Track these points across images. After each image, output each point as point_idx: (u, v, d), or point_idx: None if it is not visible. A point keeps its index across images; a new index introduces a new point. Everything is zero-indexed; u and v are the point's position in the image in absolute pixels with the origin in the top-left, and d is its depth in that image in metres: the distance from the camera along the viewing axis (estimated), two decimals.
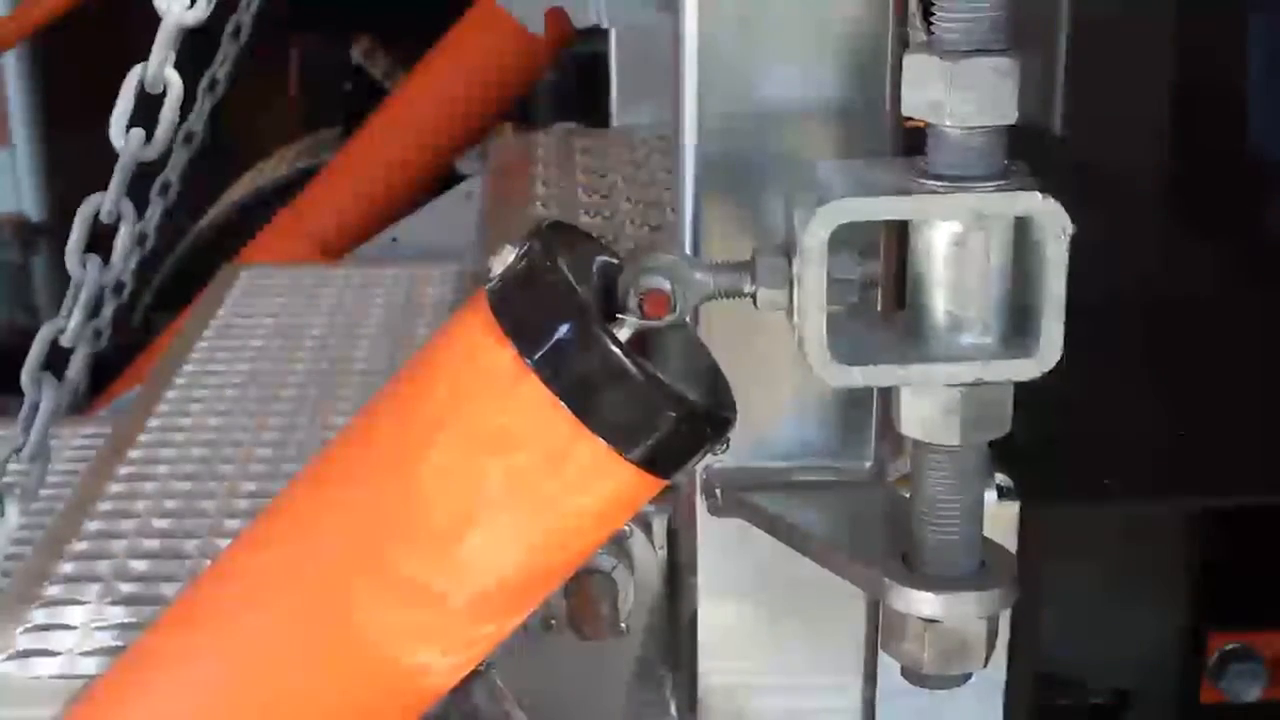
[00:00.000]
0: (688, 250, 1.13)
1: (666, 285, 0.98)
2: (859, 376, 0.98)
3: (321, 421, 1.74)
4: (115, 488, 1.60)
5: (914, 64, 0.95)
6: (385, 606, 0.97)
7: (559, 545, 0.98)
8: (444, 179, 3.05)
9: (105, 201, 1.18)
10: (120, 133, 1.17)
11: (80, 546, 1.48)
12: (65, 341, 1.20)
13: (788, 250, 1.00)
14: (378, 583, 0.97)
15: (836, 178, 0.98)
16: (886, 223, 1.09)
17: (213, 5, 1.13)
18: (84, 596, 1.40)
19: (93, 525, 1.52)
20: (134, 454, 1.67)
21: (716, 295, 1.01)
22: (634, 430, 0.93)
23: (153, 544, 1.49)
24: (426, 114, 3.06)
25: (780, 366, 1.14)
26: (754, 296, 1.01)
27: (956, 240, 0.96)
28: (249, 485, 1.59)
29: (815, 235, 0.94)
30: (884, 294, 1.10)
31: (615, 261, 0.99)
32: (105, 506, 1.56)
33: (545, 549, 0.98)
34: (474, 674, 1.20)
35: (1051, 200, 0.93)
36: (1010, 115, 0.93)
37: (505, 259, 0.96)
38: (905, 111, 0.96)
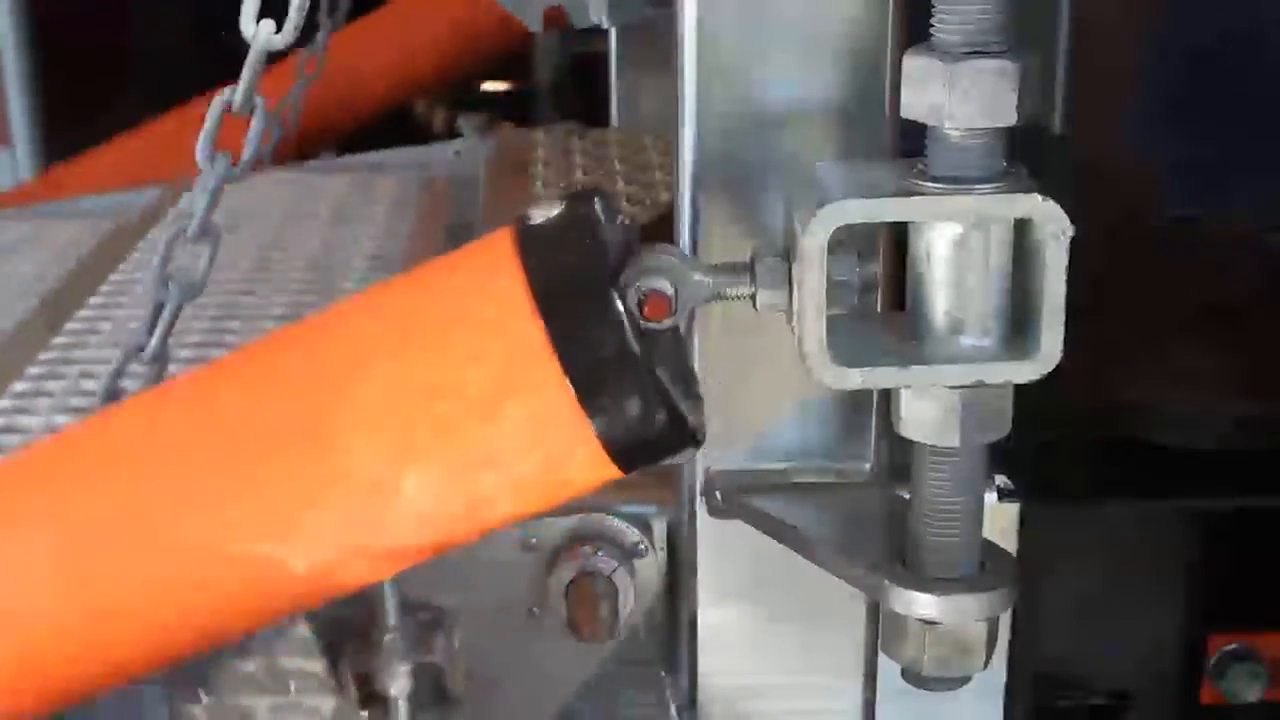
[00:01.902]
0: (686, 251, 1.13)
1: (667, 288, 0.97)
2: (858, 378, 0.98)
3: (267, 299, 1.74)
4: (45, 355, 1.60)
5: (914, 66, 0.95)
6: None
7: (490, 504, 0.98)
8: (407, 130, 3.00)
9: (193, 223, 1.19)
10: (207, 155, 1.17)
11: None
12: (144, 359, 1.21)
13: (787, 252, 1.00)
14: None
15: (836, 179, 0.98)
16: (886, 224, 1.09)
17: (299, 30, 1.14)
18: None
19: (19, 385, 1.53)
20: (65, 331, 1.68)
21: (716, 297, 1.01)
22: (624, 428, 0.93)
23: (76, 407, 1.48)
24: (378, 49, 3.01)
25: (780, 368, 1.14)
26: (753, 298, 1.01)
27: (956, 242, 0.96)
28: (184, 352, 1.58)
29: (815, 237, 0.94)
30: (883, 296, 1.10)
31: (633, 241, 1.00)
32: (22, 387, 1.55)
33: (477, 505, 0.98)
34: (436, 629, 1.20)
35: (1051, 202, 0.93)
36: (1010, 117, 0.93)
37: (547, 212, 0.96)
38: (904, 114, 0.96)
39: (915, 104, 0.95)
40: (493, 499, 0.98)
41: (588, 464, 0.96)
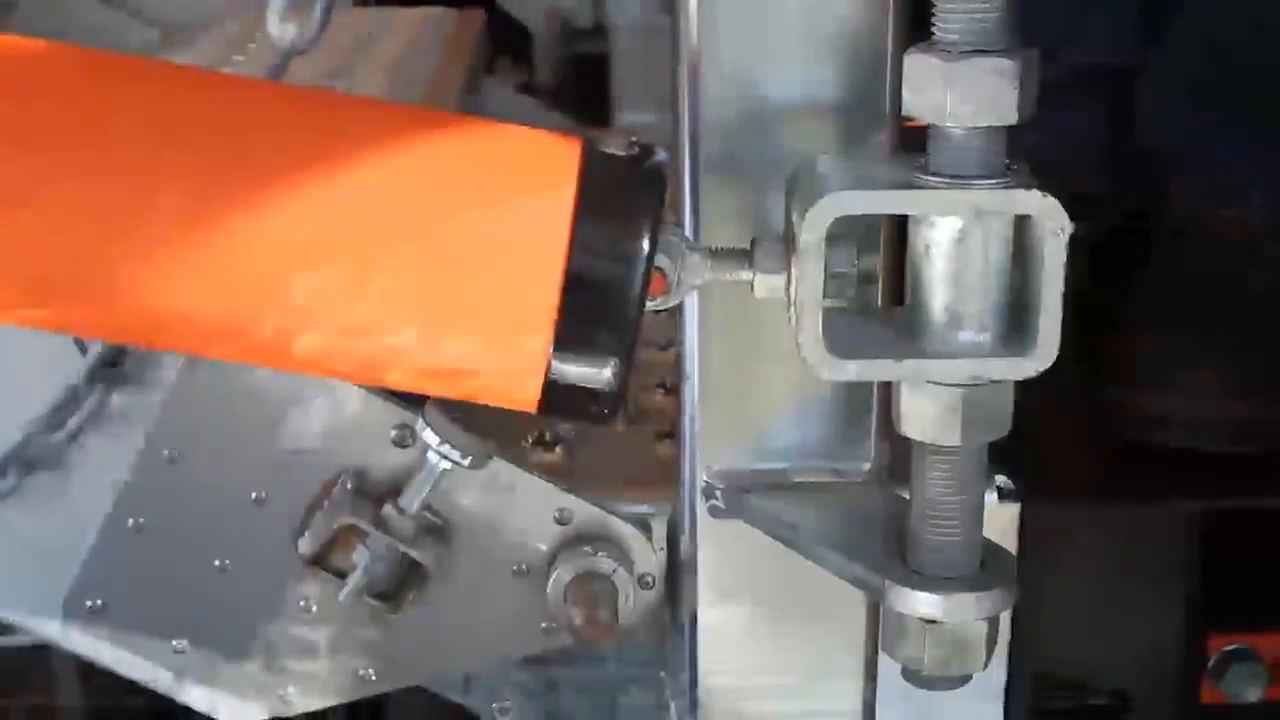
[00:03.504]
0: None
1: (667, 266, 0.97)
2: (854, 371, 0.97)
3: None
4: None
5: (914, 65, 0.95)
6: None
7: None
8: None
9: None
10: None
11: None
12: None
13: (787, 242, 0.99)
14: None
15: (835, 173, 0.97)
16: (887, 219, 1.09)
17: (324, 31, 1.13)
18: None
19: None
20: None
21: (714, 280, 1.00)
22: (576, 381, 0.92)
23: None
24: None
25: (780, 367, 1.14)
26: (752, 283, 1.00)
27: (955, 238, 0.96)
28: None
29: (813, 228, 0.94)
30: (883, 291, 1.10)
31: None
32: None
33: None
34: (437, 537, 1.21)
35: (1050, 199, 0.93)
36: (1011, 116, 0.93)
37: (619, 145, 0.95)
38: (905, 112, 0.96)
39: (916, 103, 0.95)
40: (390, 362, 0.93)
41: (512, 386, 0.93)
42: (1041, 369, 0.96)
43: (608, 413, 0.94)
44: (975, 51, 0.93)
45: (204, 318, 0.93)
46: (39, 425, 1.19)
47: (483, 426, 1.16)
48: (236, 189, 0.91)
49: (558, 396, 0.93)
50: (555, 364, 0.91)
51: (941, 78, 0.93)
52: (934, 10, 0.95)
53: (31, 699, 2.62)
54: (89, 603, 1.23)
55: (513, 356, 0.92)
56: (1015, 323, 0.98)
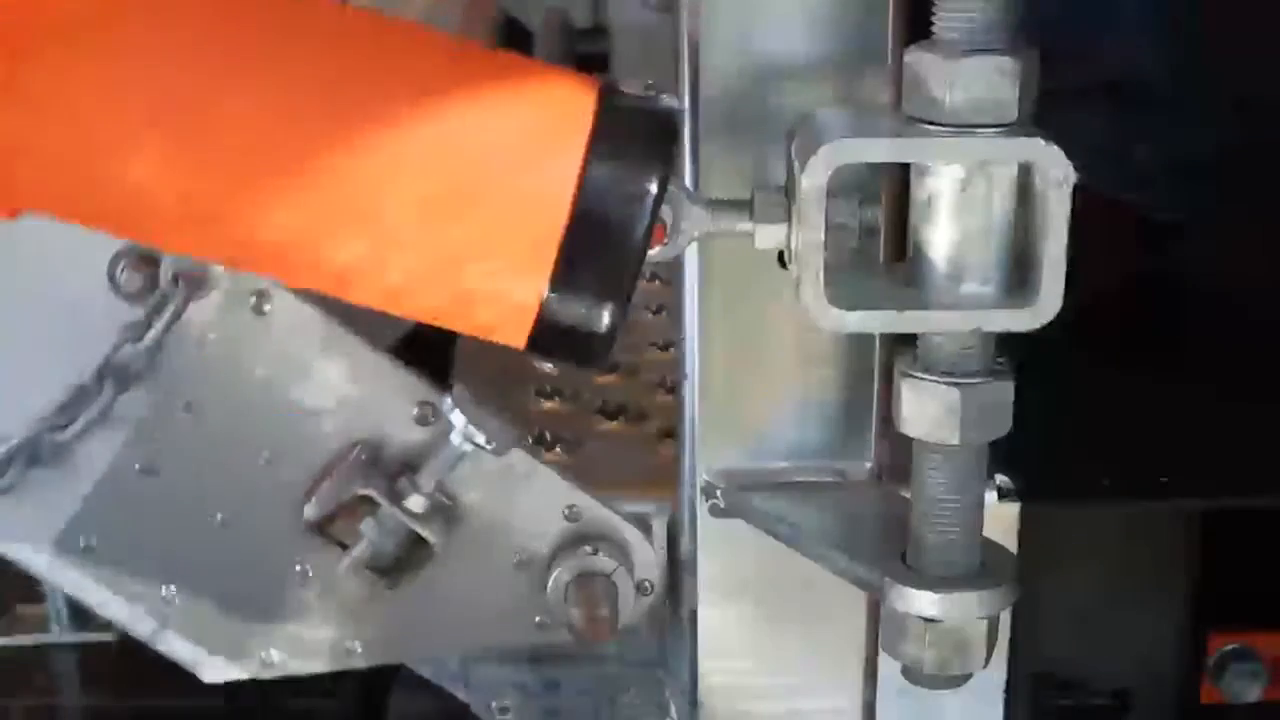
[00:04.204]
0: None
1: (667, 215, 0.96)
2: (855, 321, 0.96)
3: None
4: None
5: (914, 63, 0.94)
6: None
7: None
8: None
9: None
10: None
11: None
12: None
13: (787, 190, 0.98)
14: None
15: (837, 123, 0.96)
16: (890, 173, 1.07)
17: None
18: None
19: None
20: None
21: (715, 231, 0.99)
22: (570, 321, 0.91)
23: None
24: None
25: (781, 367, 1.14)
26: (753, 235, 0.99)
27: (958, 187, 0.95)
28: None
29: (815, 177, 0.93)
30: (886, 246, 1.08)
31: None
32: None
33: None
34: (445, 517, 1.20)
35: (1054, 147, 0.91)
36: (1010, 115, 0.93)
37: (636, 88, 0.94)
38: (905, 111, 0.96)
39: (915, 101, 0.95)
40: (394, 293, 0.93)
41: (510, 321, 0.92)
42: (1043, 321, 0.95)
43: (599, 355, 0.93)
44: (975, 50, 0.93)
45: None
46: (46, 423, 1.18)
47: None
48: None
49: (552, 335, 0.92)
50: (552, 301, 0.91)
51: (941, 76, 0.93)
52: (934, 9, 0.94)
53: (31, 699, 2.62)
54: (83, 539, 1.21)
55: (512, 292, 0.91)
56: (1019, 278, 0.96)
